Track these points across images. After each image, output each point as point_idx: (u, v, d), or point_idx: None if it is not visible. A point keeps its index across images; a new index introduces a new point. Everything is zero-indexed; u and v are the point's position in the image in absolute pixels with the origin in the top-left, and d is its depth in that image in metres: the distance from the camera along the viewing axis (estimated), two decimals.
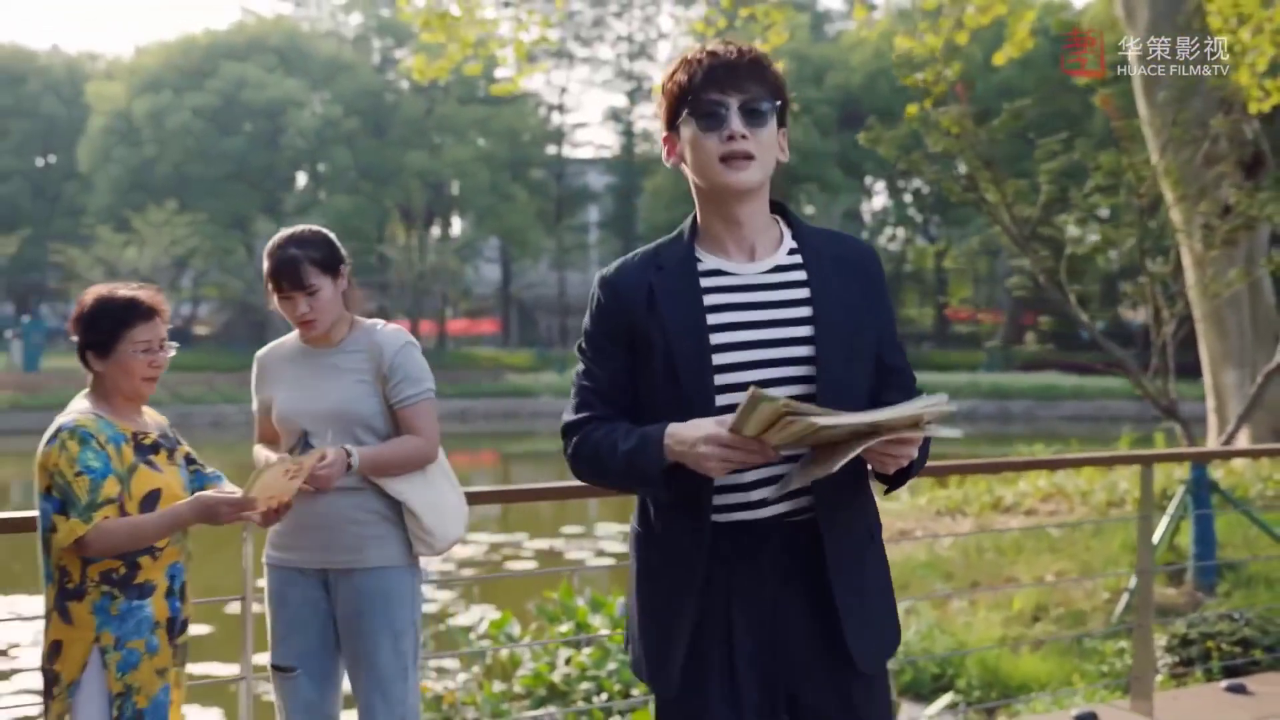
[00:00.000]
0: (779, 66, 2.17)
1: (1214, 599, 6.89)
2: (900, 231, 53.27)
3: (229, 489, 2.96)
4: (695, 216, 2.21)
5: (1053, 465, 7.39)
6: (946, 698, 5.45)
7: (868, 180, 51.37)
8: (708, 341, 2.07)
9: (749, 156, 2.07)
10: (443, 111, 49.02)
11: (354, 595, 3.07)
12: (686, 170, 2.15)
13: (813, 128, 46.35)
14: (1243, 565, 7.20)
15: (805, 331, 2.09)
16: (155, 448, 2.90)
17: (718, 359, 2.07)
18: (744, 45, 2.14)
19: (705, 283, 2.13)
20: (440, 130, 49.35)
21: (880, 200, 54.19)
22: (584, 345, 2.22)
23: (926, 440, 2.00)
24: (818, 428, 1.84)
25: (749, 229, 2.15)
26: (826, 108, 47.17)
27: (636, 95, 56.55)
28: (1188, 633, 5.64)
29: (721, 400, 2.05)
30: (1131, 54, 11.36)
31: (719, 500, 2.09)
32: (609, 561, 11.78)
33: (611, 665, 5.83)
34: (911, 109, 16.30)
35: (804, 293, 2.12)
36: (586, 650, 6.01)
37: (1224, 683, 5.12)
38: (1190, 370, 12.77)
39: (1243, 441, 10.74)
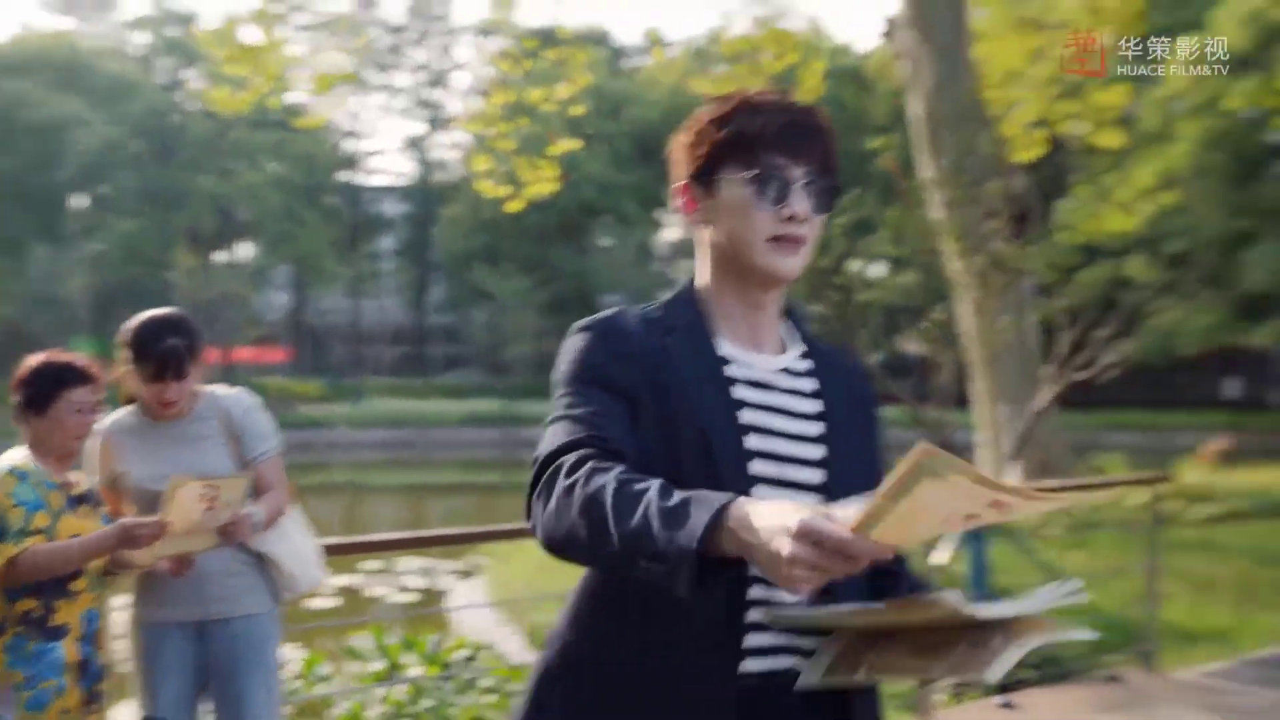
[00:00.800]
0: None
1: None
2: (692, 264, 54.49)
3: None
4: (697, 284, 1.85)
5: None
6: None
7: (660, 213, 52.51)
8: (739, 426, 1.70)
9: (802, 241, 1.75)
10: (235, 135, 47.89)
11: (230, 642, 3.24)
12: (706, 231, 1.80)
13: (609, 161, 47.14)
14: (1014, 591, 7.83)
15: (816, 450, 1.74)
16: (82, 499, 3.14)
17: (747, 443, 1.70)
18: (810, 105, 1.81)
19: (724, 369, 1.76)
20: (232, 154, 48.20)
21: (674, 233, 55.41)
22: (566, 386, 1.72)
23: None
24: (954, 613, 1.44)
25: (768, 319, 1.82)
26: (624, 141, 48.05)
27: (435, 123, 56.41)
28: None
29: (758, 490, 1.67)
30: (919, 112, 12.21)
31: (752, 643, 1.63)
32: (411, 598, 11.86)
33: (427, 702, 5.97)
34: None
35: (816, 405, 1.78)
36: (400, 688, 6.14)
37: (997, 699, 5.67)
38: (963, 400, 13.68)
39: (1016, 474, 11.59)
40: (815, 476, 1.72)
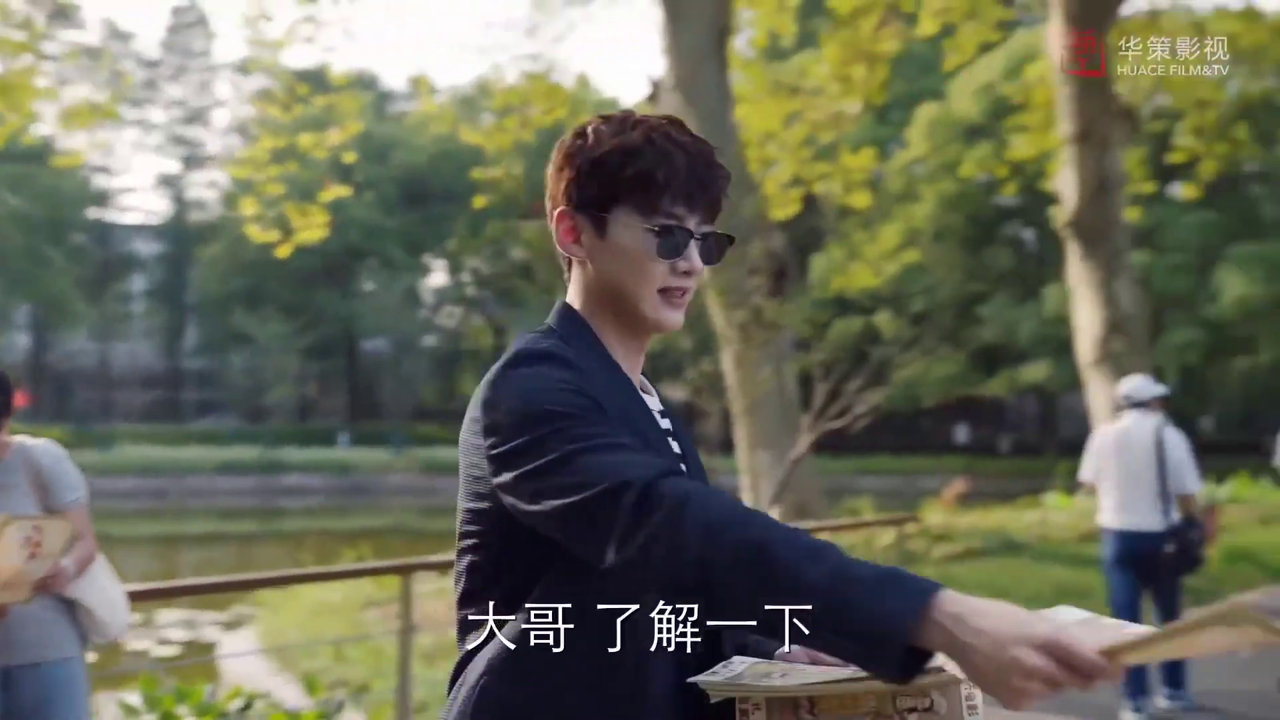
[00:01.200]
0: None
1: None
2: (458, 310, 54.54)
3: None
4: (578, 316, 1.72)
5: None
6: None
7: (427, 258, 52.32)
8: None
9: (689, 293, 1.69)
10: None
11: (39, 687, 3.28)
12: (587, 267, 1.69)
13: (376, 205, 46.79)
14: None
15: None
16: None
17: None
18: (707, 143, 1.70)
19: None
20: None
21: (440, 278, 55.30)
22: (555, 418, 1.51)
23: None
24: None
25: (640, 359, 1.75)
26: (390, 186, 47.80)
27: (191, 161, 54.75)
28: None
29: None
30: None
31: None
32: (174, 650, 11.58)
33: None
34: (479, 200, 17.25)
35: (677, 447, 1.72)
36: None
37: None
38: (729, 446, 14.32)
39: (775, 516, 12.25)
40: None
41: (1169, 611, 6.72)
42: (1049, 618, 1.30)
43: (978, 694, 1.44)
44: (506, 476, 1.52)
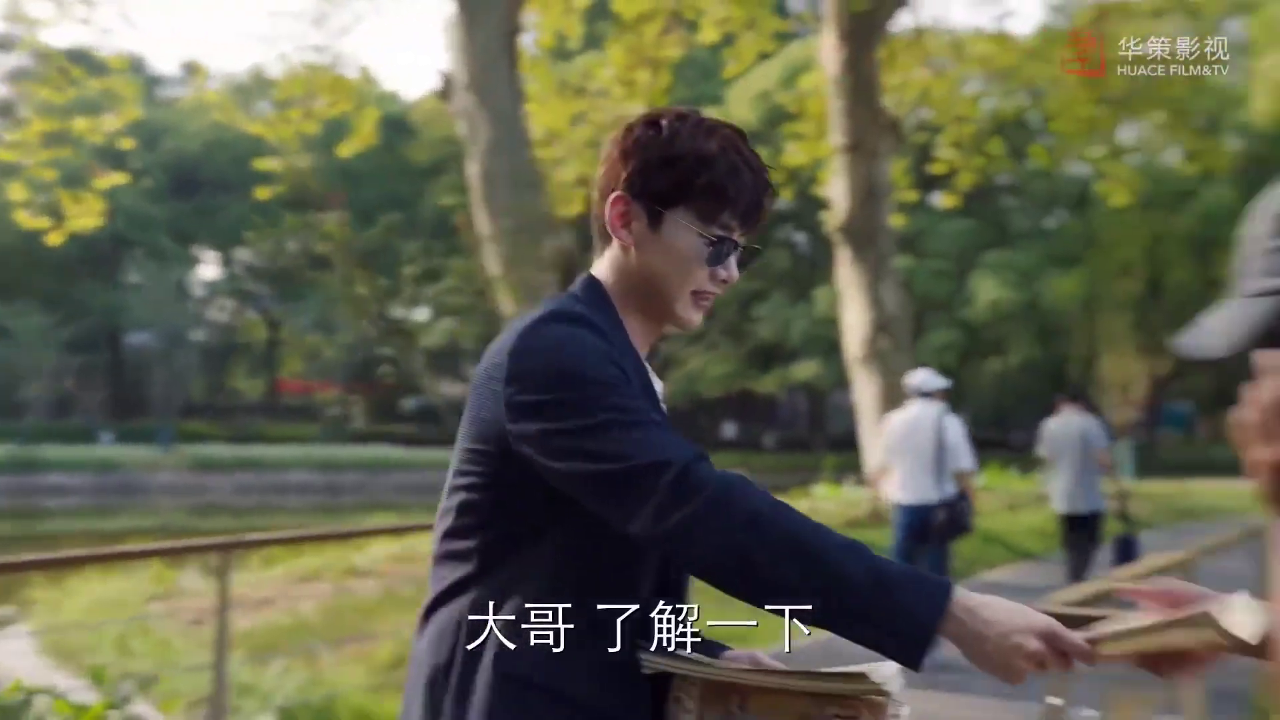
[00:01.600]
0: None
1: None
2: (231, 303, 52.96)
3: None
4: (604, 292, 1.77)
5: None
6: None
7: (197, 249, 50.59)
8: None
9: (713, 296, 1.78)
10: None
11: None
12: (631, 252, 1.74)
13: (144, 193, 45.00)
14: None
15: None
16: None
17: None
18: (763, 162, 1.78)
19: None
20: None
21: (212, 270, 53.58)
22: (594, 383, 1.58)
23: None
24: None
25: (649, 346, 1.81)
26: (159, 173, 46.03)
27: None
28: None
29: None
30: (475, 171, 12.95)
31: None
32: None
33: None
34: (263, 191, 17.00)
35: None
36: None
37: None
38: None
39: None
40: None
41: (938, 573, 7.59)
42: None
43: (904, 712, 1.53)
44: (529, 427, 1.57)
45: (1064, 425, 9.25)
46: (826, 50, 16.99)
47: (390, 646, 8.19)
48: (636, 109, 19.07)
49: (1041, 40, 22.21)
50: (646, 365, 1.74)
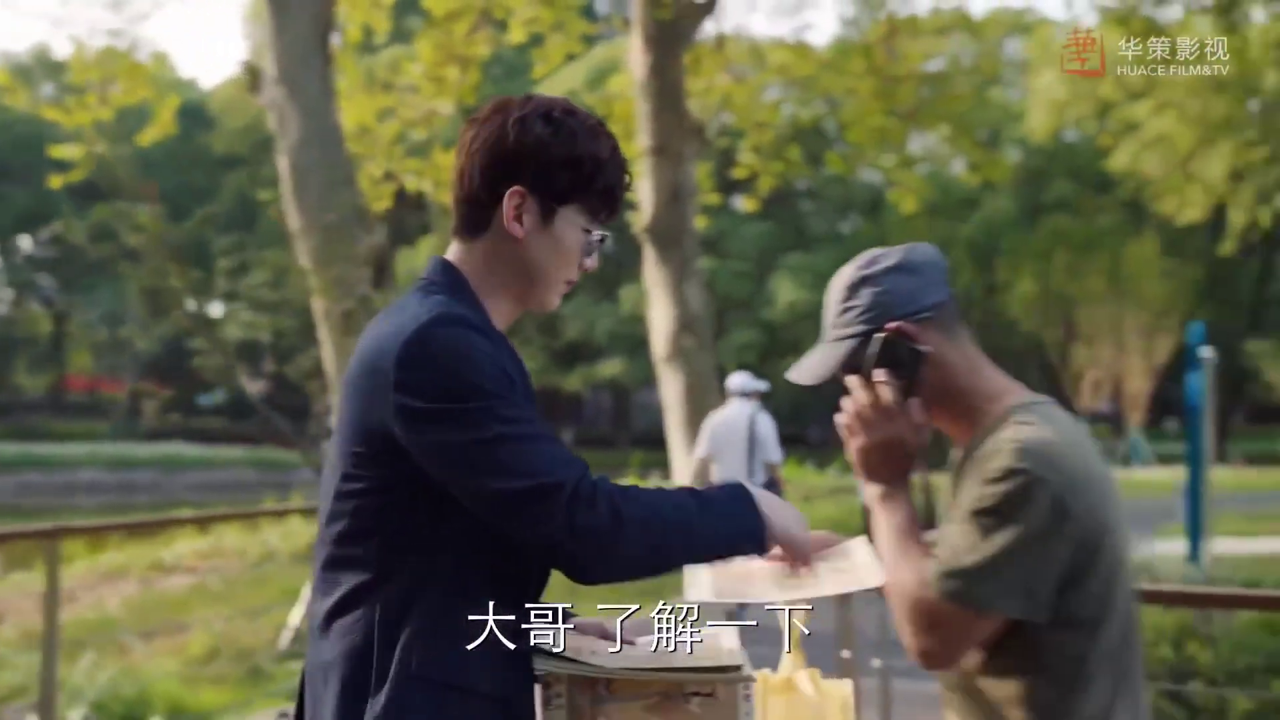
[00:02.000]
0: None
1: None
2: (9, 294, 50.32)
3: None
4: (460, 277, 1.81)
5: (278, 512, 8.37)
6: None
7: None
8: None
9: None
10: None
11: None
12: (516, 244, 1.79)
13: None
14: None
15: None
16: None
17: None
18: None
19: None
20: None
21: None
22: (490, 395, 1.64)
23: None
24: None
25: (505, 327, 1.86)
26: None
27: None
28: None
29: None
30: (285, 165, 12.86)
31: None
32: None
33: None
34: (56, 181, 16.45)
35: None
36: None
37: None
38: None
39: None
40: None
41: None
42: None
43: (754, 689, 1.69)
44: (423, 438, 1.62)
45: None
46: (633, 55, 17.37)
47: (202, 639, 8.22)
48: (445, 105, 19.16)
49: (836, 52, 23.18)
50: (513, 348, 1.78)
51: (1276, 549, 12.07)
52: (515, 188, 1.77)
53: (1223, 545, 11.54)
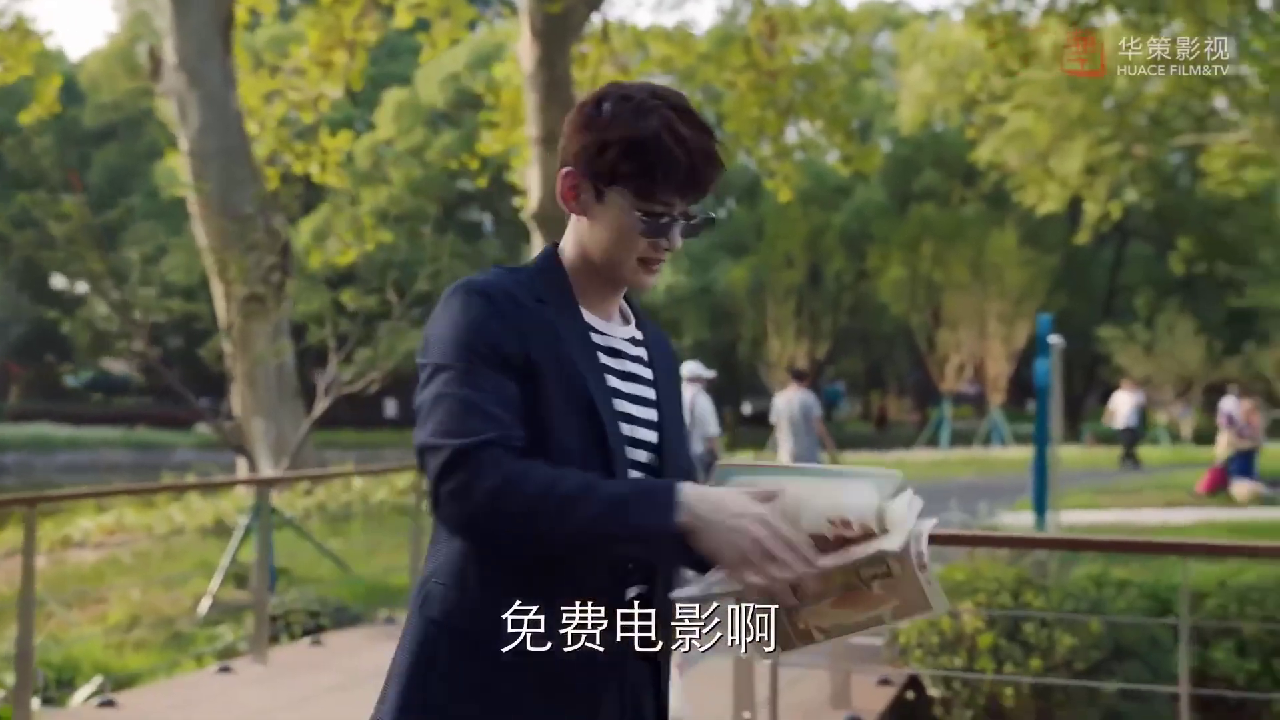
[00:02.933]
0: None
1: (274, 593, 8.84)
2: None
3: None
4: (558, 257, 1.91)
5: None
6: (88, 687, 6.61)
7: None
8: (609, 389, 1.84)
9: (662, 262, 1.88)
10: None
11: None
12: (583, 221, 1.86)
13: None
14: (292, 568, 9.35)
15: (651, 413, 1.90)
16: None
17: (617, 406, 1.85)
18: (710, 127, 1.85)
19: (590, 336, 1.89)
20: None
21: None
22: (454, 352, 1.74)
23: None
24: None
25: (614, 298, 1.94)
26: None
27: None
28: (280, 612, 7.58)
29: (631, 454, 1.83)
30: (185, 150, 13.14)
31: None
32: None
33: None
34: None
35: (649, 372, 1.94)
36: None
37: (305, 640, 7.15)
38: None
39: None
40: (652, 436, 1.87)
41: None
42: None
43: (925, 551, 1.62)
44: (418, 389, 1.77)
45: (788, 399, 11.29)
46: (522, 47, 17.70)
47: (122, 608, 8.60)
48: (333, 89, 19.37)
49: (715, 43, 23.87)
50: (587, 320, 1.86)
51: (1118, 519, 13.12)
52: (567, 169, 1.84)
53: (1070, 517, 12.50)
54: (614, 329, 1.91)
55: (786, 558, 1.57)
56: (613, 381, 1.85)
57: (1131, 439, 23.17)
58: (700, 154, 1.80)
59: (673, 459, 1.88)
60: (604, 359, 1.85)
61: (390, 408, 47.30)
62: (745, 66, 20.45)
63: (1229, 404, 21.60)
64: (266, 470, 12.83)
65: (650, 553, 1.71)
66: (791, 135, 24.03)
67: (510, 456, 1.65)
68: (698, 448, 9.32)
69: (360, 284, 12.10)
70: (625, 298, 1.97)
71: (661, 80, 24.88)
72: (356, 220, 20.75)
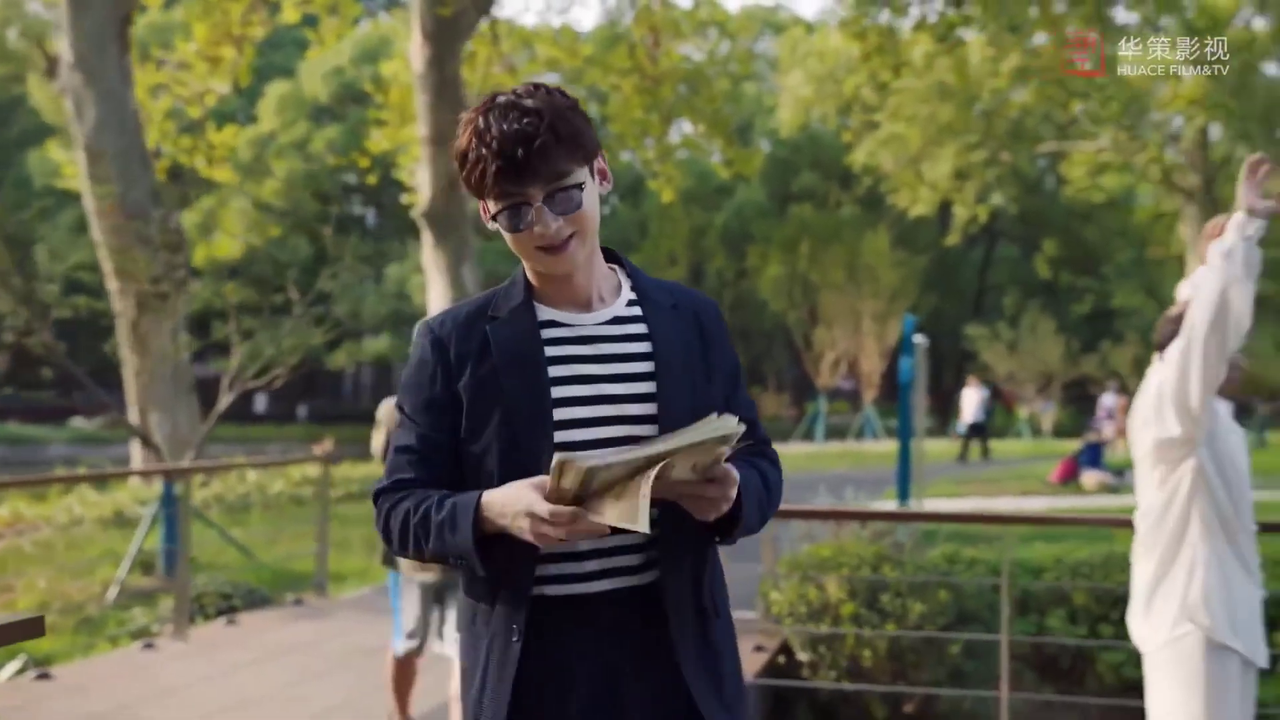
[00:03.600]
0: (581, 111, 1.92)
1: (174, 578, 9.19)
2: None
3: None
4: (521, 270, 2.02)
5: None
6: (13, 665, 6.93)
7: None
8: (549, 396, 1.92)
9: (564, 242, 1.89)
10: None
11: None
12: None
13: None
14: (199, 555, 9.71)
15: (647, 387, 1.96)
16: None
17: (559, 414, 1.92)
18: (539, 104, 1.87)
19: (545, 333, 1.97)
20: None
21: None
22: (402, 402, 2.01)
23: (767, 487, 2.02)
24: (608, 465, 1.72)
25: (583, 284, 1.99)
26: None
27: None
28: (194, 594, 7.96)
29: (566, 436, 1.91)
30: (80, 147, 13.26)
31: (548, 570, 1.92)
32: None
33: None
34: None
35: (645, 346, 1.99)
36: None
37: (221, 620, 7.59)
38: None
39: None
40: (646, 409, 1.94)
41: None
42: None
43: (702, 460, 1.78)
44: None
45: None
46: (413, 48, 17.87)
47: (30, 595, 8.87)
48: (221, 84, 19.44)
49: (600, 45, 24.35)
50: (555, 317, 1.99)
51: (975, 506, 14.00)
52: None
53: (932, 504, 13.35)
54: (583, 318, 1.99)
55: (546, 530, 1.75)
56: (571, 369, 1.94)
57: (977, 434, 23.94)
58: (513, 141, 1.82)
59: (675, 419, 1.90)
60: (562, 350, 1.95)
61: (303, 411, 46.71)
62: (629, 70, 20.91)
63: (1109, 400, 22.96)
64: (138, 463, 13.08)
65: (479, 561, 1.86)
66: (674, 135, 24.49)
67: (404, 494, 1.94)
68: None
69: (254, 280, 12.37)
70: (629, 272, 2.08)
71: (549, 80, 25.33)
72: (246, 214, 20.76)
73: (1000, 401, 33.08)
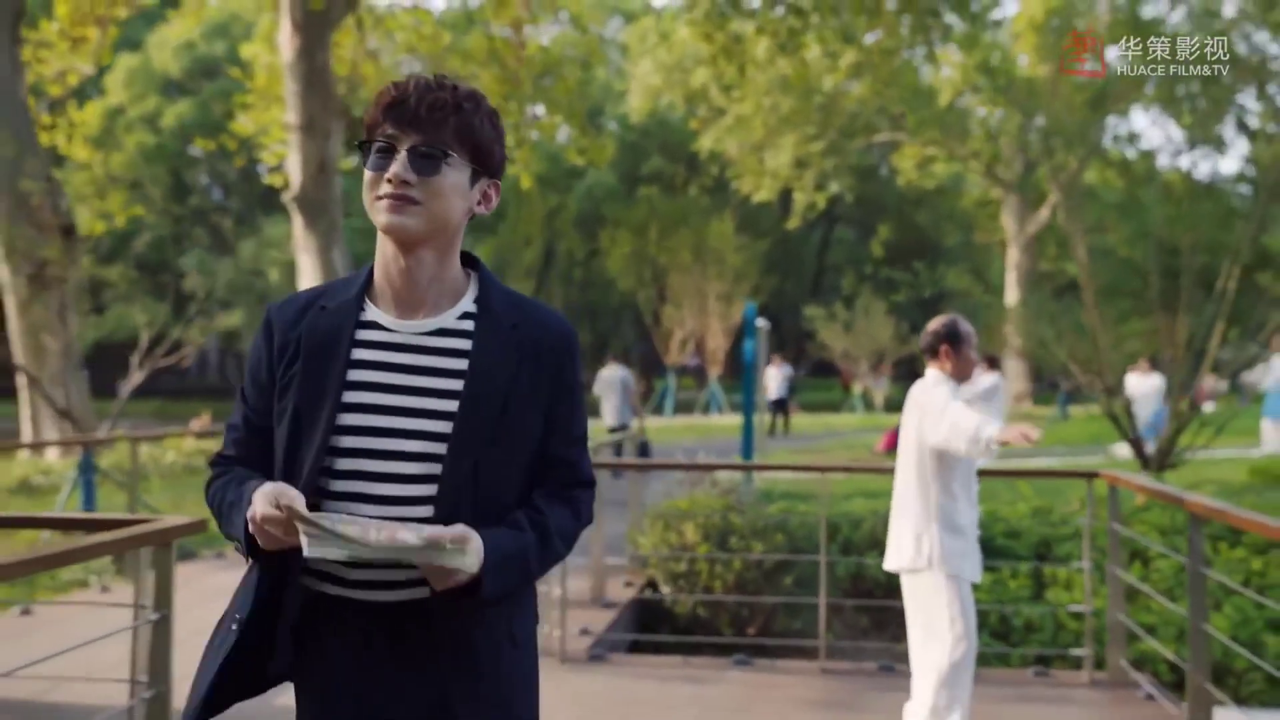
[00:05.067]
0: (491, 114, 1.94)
1: None
2: None
3: None
4: (373, 265, 2.02)
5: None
6: None
7: None
8: (338, 398, 1.90)
9: (412, 201, 1.88)
10: None
11: None
12: None
13: None
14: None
15: (449, 405, 1.91)
16: None
17: (344, 418, 1.90)
18: (455, 84, 1.94)
19: (360, 334, 1.95)
20: None
21: None
22: (241, 389, 2.03)
23: (544, 543, 1.94)
24: (332, 530, 1.74)
25: (418, 282, 1.96)
26: None
27: None
28: None
29: (339, 464, 1.90)
30: None
31: (316, 565, 1.93)
32: None
33: None
34: None
35: (461, 363, 1.94)
36: None
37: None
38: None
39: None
40: (441, 426, 1.89)
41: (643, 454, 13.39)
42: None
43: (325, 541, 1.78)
44: None
45: (611, 374, 14.97)
46: (283, 38, 18.12)
47: None
48: (84, 65, 19.68)
49: (458, 35, 24.99)
50: (379, 320, 1.98)
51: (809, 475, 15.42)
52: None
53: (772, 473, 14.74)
54: (406, 324, 1.96)
55: (267, 535, 1.80)
56: (372, 375, 1.94)
57: (780, 409, 24.73)
58: (419, 91, 1.90)
59: (463, 459, 1.88)
60: (370, 354, 1.95)
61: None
62: (488, 60, 21.53)
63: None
64: (52, 434, 13.71)
65: (245, 551, 1.92)
66: (527, 117, 25.06)
67: (221, 471, 2.03)
68: (627, 409, 14.29)
69: (107, 256, 12.83)
70: (483, 284, 2.03)
71: (410, 67, 25.77)
72: (100, 185, 20.97)
73: (839, 378, 34.90)
